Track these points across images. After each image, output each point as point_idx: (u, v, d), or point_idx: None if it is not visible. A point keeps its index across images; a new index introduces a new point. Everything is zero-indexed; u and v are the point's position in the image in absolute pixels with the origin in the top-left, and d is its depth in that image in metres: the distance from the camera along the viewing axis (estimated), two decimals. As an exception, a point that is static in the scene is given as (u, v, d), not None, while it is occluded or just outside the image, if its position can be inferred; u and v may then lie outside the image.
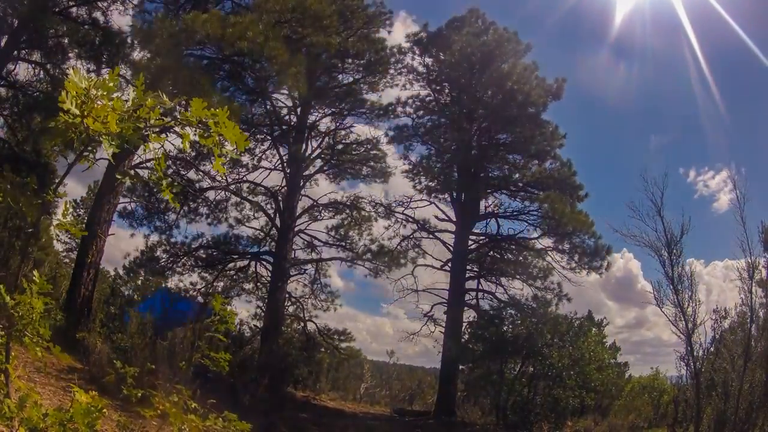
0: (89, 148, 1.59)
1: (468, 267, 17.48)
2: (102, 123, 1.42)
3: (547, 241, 16.74)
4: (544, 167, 17.39)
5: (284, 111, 17.04)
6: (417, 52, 17.67)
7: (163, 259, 16.08)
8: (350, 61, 16.52)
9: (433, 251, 18.32)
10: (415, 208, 18.10)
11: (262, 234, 17.27)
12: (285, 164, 16.65)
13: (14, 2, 11.46)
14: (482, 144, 17.77)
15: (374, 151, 17.69)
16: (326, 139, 17.60)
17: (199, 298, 15.20)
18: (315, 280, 17.43)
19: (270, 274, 16.60)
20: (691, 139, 36.76)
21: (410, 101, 17.91)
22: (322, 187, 19.44)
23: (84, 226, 12.78)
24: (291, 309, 17.01)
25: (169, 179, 1.70)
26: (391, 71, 17.23)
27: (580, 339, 13.59)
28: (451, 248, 17.41)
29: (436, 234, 18.10)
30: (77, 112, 1.40)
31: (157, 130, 1.63)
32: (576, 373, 13.36)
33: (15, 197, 1.82)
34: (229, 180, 16.61)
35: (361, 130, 18.19)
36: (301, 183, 16.96)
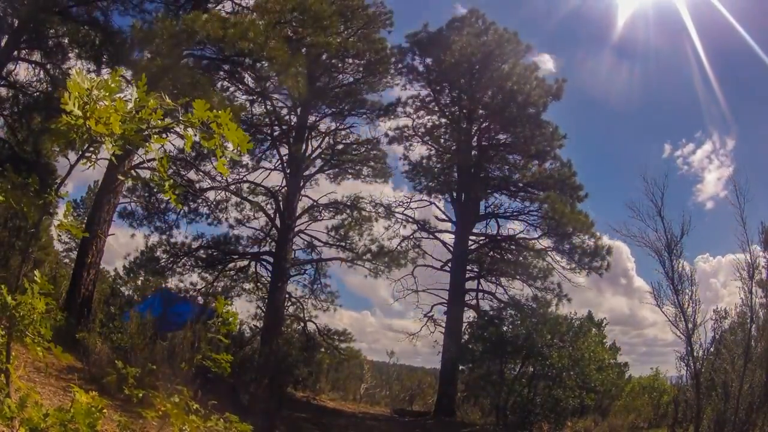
0: (91, 149, 1.59)
1: (468, 267, 17.48)
2: (105, 124, 1.42)
3: (547, 242, 16.77)
4: (544, 167, 17.40)
5: (284, 111, 17.05)
6: (417, 52, 17.69)
7: (163, 260, 16.09)
8: (350, 61, 16.53)
9: (433, 251, 18.34)
10: (415, 208, 18.13)
11: (262, 234, 17.27)
12: (285, 164, 16.65)
13: (14, 2, 11.46)
14: (482, 144, 17.78)
15: (374, 151, 17.70)
16: (326, 139, 17.61)
17: (199, 299, 15.21)
18: (315, 281, 17.45)
19: (270, 274, 16.60)
20: (692, 139, 36.74)
21: (410, 101, 17.95)
22: (322, 187, 19.45)
23: (84, 226, 12.78)
24: (291, 309, 17.02)
25: (172, 180, 1.70)
26: (392, 71, 17.26)
27: (579, 339, 13.59)
28: (451, 248, 17.42)
29: (436, 234, 18.12)
30: (79, 113, 1.40)
31: (159, 131, 1.63)
32: (576, 374, 13.36)
33: (16, 197, 1.81)
34: (230, 180, 16.62)
35: (362, 130, 18.21)
36: (301, 183, 16.96)
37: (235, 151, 1.68)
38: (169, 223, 16.19)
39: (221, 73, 13.82)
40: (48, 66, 12.45)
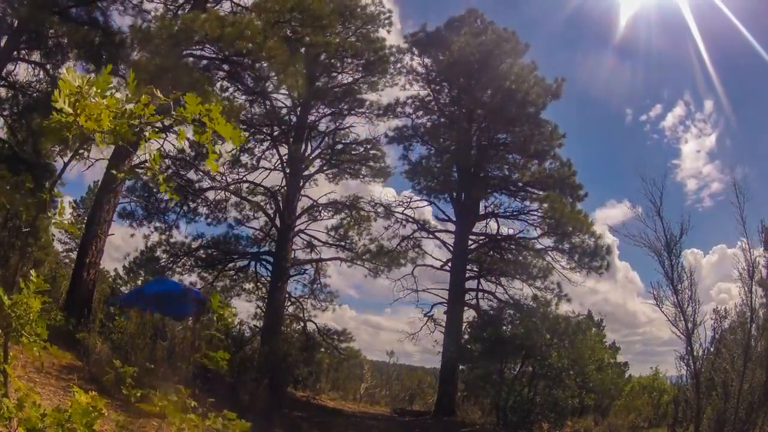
0: (84, 147, 1.59)
1: (468, 267, 17.47)
2: (95, 121, 1.42)
3: (546, 241, 16.75)
4: (544, 167, 17.40)
5: (284, 111, 17.05)
6: (416, 52, 17.68)
7: (163, 259, 16.10)
8: (349, 60, 16.51)
9: (433, 251, 18.34)
10: (415, 208, 18.12)
11: (262, 234, 17.28)
12: (285, 164, 16.65)
13: (14, 2, 11.47)
14: (482, 144, 17.77)
15: (374, 151, 17.69)
16: (326, 139, 17.60)
17: (198, 291, 15.22)
18: (315, 280, 17.45)
19: (270, 274, 16.61)
20: (693, 139, 36.67)
21: (410, 101, 17.94)
22: (322, 187, 19.45)
23: (84, 226, 12.79)
24: (291, 309, 17.03)
25: (166, 174, 1.70)
26: (391, 71, 17.23)
27: (579, 339, 13.58)
28: (451, 248, 17.41)
29: (436, 234, 18.12)
30: (70, 110, 1.40)
31: (153, 126, 1.63)
32: (576, 373, 13.36)
33: (11, 197, 1.81)
34: (229, 180, 16.64)
35: (361, 130, 18.21)
36: (301, 183, 16.96)
37: (231, 150, 1.68)
38: (168, 222, 16.21)
39: (221, 73, 13.84)
40: (48, 66, 12.47)
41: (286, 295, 16.69)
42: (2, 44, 11.92)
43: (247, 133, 16.10)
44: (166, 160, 15.15)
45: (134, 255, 15.93)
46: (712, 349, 11.54)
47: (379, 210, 17.71)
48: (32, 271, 2.03)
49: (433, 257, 18.07)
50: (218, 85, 13.67)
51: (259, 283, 17.20)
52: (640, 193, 12.37)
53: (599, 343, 15.10)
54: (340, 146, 17.72)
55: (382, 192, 19.07)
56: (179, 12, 12.75)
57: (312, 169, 17.32)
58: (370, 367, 20.10)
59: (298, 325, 17.10)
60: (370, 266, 17.09)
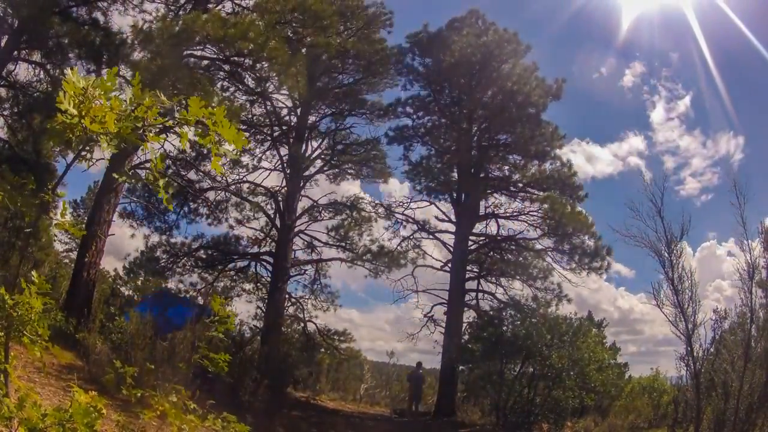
0: (87, 149, 1.59)
1: (468, 267, 17.47)
2: (100, 123, 1.42)
3: (547, 242, 16.77)
4: (544, 168, 17.40)
5: (284, 111, 17.06)
6: (417, 52, 17.68)
7: (163, 260, 16.10)
8: (350, 61, 16.52)
9: (433, 252, 18.34)
10: (415, 208, 18.13)
11: (262, 234, 17.28)
12: (285, 165, 16.66)
13: (14, 2, 11.47)
14: (482, 144, 17.77)
15: (374, 152, 17.70)
16: (326, 139, 17.61)
17: (199, 299, 15.20)
18: (315, 281, 17.45)
19: (270, 275, 16.61)
20: (695, 140, 36.67)
21: (410, 101, 17.95)
22: (322, 188, 19.47)
23: (84, 226, 12.79)
24: (291, 309, 17.03)
25: (166, 179, 1.70)
26: (391, 71, 17.25)
27: (579, 339, 13.57)
28: (451, 249, 17.41)
29: (436, 234, 18.12)
30: (75, 112, 1.40)
31: (156, 129, 1.63)
32: (576, 374, 13.35)
33: (13, 197, 1.81)
34: (229, 180, 16.64)
35: (361, 130, 18.23)
36: (301, 183, 16.96)
37: (232, 150, 1.68)
38: (169, 223, 16.23)
39: (221, 73, 13.84)
40: (48, 66, 12.46)
41: (286, 296, 16.69)
42: (2, 44, 11.93)
43: (247, 134, 16.08)
44: (167, 161, 15.15)
45: (134, 255, 15.96)
46: (712, 350, 11.53)
47: (379, 210, 17.75)
48: (34, 272, 2.03)
49: (433, 258, 18.10)
50: (219, 85, 13.68)
51: (259, 284, 17.21)
52: (640, 193, 12.35)
53: (599, 343, 15.09)
54: (340, 147, 17.73)
55: (383, 192, 19.04)
56: (180, 12, 12.75)
57: (312, 170, 17.35)
58: (370, 368, 20.10)
59: (298, 326, 17.11)
60: (371, 267, 17.10)
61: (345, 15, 15.33)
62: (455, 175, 17.89)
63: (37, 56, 12.61)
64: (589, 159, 31.77)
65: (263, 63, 12.31)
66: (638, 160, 35.34)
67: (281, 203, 16.58)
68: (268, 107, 16.39)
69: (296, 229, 16.86)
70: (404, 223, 17.99)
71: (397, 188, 31.15)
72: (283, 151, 16.76)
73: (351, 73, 16.96)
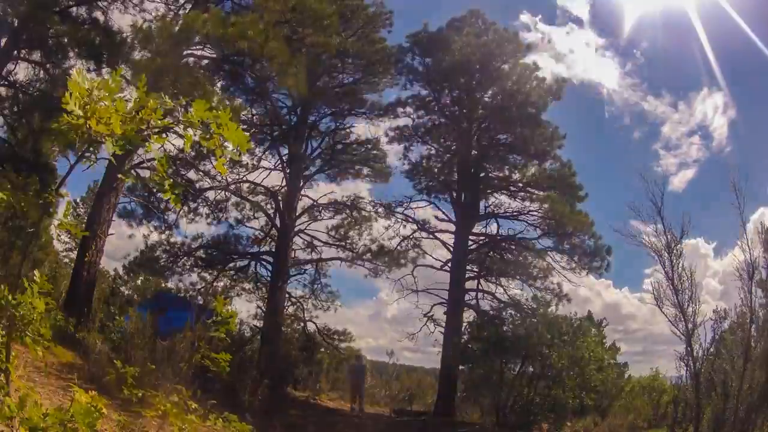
0: (91, 149, 1.59)
1: (468, 267, 17.47)
2: (105, 125, 1.42)
3: (547, 242, 16.78)
4: (544, 167, 17.39)
5: (284, 111, 17.05)
6: (417, 52, 17.67)
7: (163, 259, 16.09)
8: (350, 61, 16.52)
9: (433, 251, 18.33)
10: (415, 208, 18.13)
11: (262, 234, 17.27)
12: (285, 164, 16.66)
13: (14, 2, 11.45)
14: (482, 144, 17.77)
15: (374, 151, 17.72)
16: (326, 139, 17.62)
17: (199, 298, 15.20)
18: (315, 280, 17.46)
19: (270, 274, 16.60)
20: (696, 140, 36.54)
21: (410, 101, 17.93)
22: (322, 187, 19.49)
23: (84, 225, 12.79)
24: (291, 309, 17.03)
25: (171, 180, 1.70)
26: (391, 71, 17.24)
27: (579, 339, 13.59)
28: (451, 248, 17.41)
29: (436, 234, 18.11)
30: (80, 113, 1.40)
31: (159, 130, 1.63)
32: (576, 374, 13.36)
33: (16, 197, 1.81)
34: (229, 180, 16.62)
35: (361, 130, 18.21)
36: (301, 183, 16.97)
37: (235, 150, 1.68)
38: (168, 222, 16.20)
39: (221, 73, 13.84)
40: (48, 66, 12.45)
41: (287, 295, 16.69)
42: (2, 44, 11.91)
43: (247, 134, 16.09)
44: (168, 161, 15.14)
45: (134, 255, 15.95)
46: (711, 350, 11.55)
47: (379, 210, 17.75)
48: (36, 272, 2.03)
49: (433, 257, 18.09)
50: (218, 84, 13.69)
51: (259, 284, 17.21)
52: (641, 193, 12.37)
53: (599, 343, 15.10)
54: (340, 146, 17.74)
55: (383, 192, 19.08)
56: (180, 12, 12.74)
57: (312, 169, 17.35)
58: (370, 367, 20.09)
59: (298, 325, 17.11)
60: (371, 266, 17.11)
61: (345, 14, 15.32)
62: (455, 174, 17.89)
63: (36, 56, 12.59)
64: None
65: (263, 62, 12.31)
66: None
67: (281, 203, 16.59)
68: (268, 107, 16.40)
69: (296, 229, 16.86)
70: (404, 222, 18.00)
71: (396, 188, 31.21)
72: (283, 150, 16.77)
73: (351, 73, 16.97)
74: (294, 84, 12.41)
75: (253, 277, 17.25)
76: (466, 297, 17.25)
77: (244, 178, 16.89)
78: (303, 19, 12.26)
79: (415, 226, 18.07)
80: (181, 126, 1.57)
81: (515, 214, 17.34)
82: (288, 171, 16.61)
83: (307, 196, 17.28)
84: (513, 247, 17.48)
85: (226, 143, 1.62)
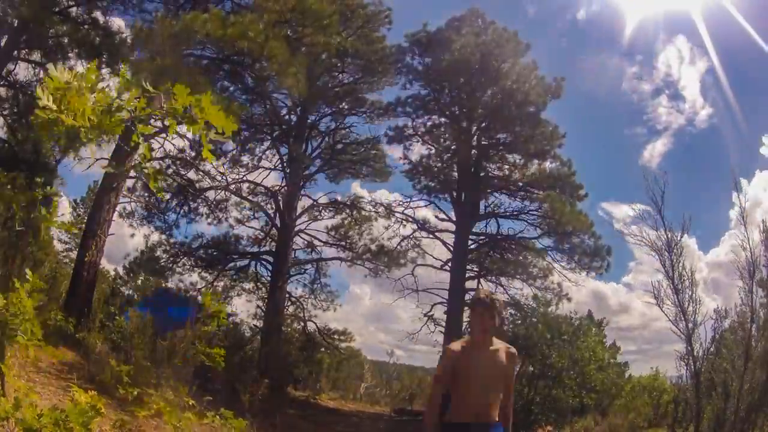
0: (75, 144, 1.59)
1: (468, 267, 17.48)
2: (81, 116, 1.41)
3: (547, 241, 16.78)
4: (544, 167, 17.40)
5: (284, 111, 17.07)
6: (417, 51, 17.68)
7: (163, 259, 16.12)
8: (350, 60, 16.53)
9: (433, 251, 18.34)
10: (415, 207, 18.13)
11: (262, 234, 17.30)
12: (285, 164, 16.68)
13: (14, 2, 11.47)
14: (482, 143, 17.77)
15: (374, 151, 17.72)
16: (326, 138, 17.63)
17: (199, 298, 15.21)
18: (315, 280, 17.47)
19: (270, 274, 16.62)
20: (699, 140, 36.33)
21: (410, 101, 17.92)
22: (322, 187, 19.55)
23: (84, 225, 12.81)
24: (291, 309, 17.04)
25: (156, 169, 1.69)
26: (391, 71, 17.24)
27: (579, 339, 13.56)
28: (451, 248, 17.41)
29: (436, 234, 18.11)
30: (54, 107, 1.39)
31: (147, 123, 1.62)
32: (576, 373, 13.34)
33: (4, 194, 1.81)
34: (229, 180, 16.65)
35: (361, 129, 18.24)
36: (301, 183, 16.98)
37: (233, 150, 1.67)
38: (169, 222, 16.24)
39: (221, 73, 13.84)
40: (48, 66, 12.46)
41: (287, 295, 16.70)
42: (2, 44, 11.93)
43: (246, 133, 16.13)
44: (167, 160, 15.16)
45: (134, 255, 15.98)
46: (712, 349, 11.53)
47: (379, 210, 17.75)
48: (28, 270, 2.03)
49: (433, 257, 18.09)
50: (219, 85, 13.68)
51: (259, 283, 17.22)
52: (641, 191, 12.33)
53: (599, 343, 15.08)
54: (340, 146, 17.75)
55: (382, 191, 19.09)
56: (180, 12, 12.74)
57: (312, 169, 17.36)
58: (370, 367, 20.11)
59: (299, 325, 17.12)
60: (371, 266, 17.12)
61: (344, 14, 15.31)
62: (455, 174, 17.89)
63: (36, 56, 12.62)
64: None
65: (263, 62, 12.30)
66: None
67: (281, 202, 16.60)
68: (268, 107, 16.41)
69: (296, 229, 16.87)
70: (404, 222, 18.01)
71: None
72: (283, 150, 16.79)
73: (351, 73, 16.98)
74: (294, 84, 12.40)
75: (253, 277, 17.28)
76: (466, 296, 17.24)
77: (244, 178, 16.93)
78: (303, 18, 12.25)
79: (415, 226, 18.10)
80: (166, 114, 1.56)
81: (515, 213, 17.35)
82: (288, 171, 16.63)
83: (307, 196, 17.33)
84: (513, 246, 17.48)
85: (213, 128, 1.61)
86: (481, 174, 17.64)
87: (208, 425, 2.80)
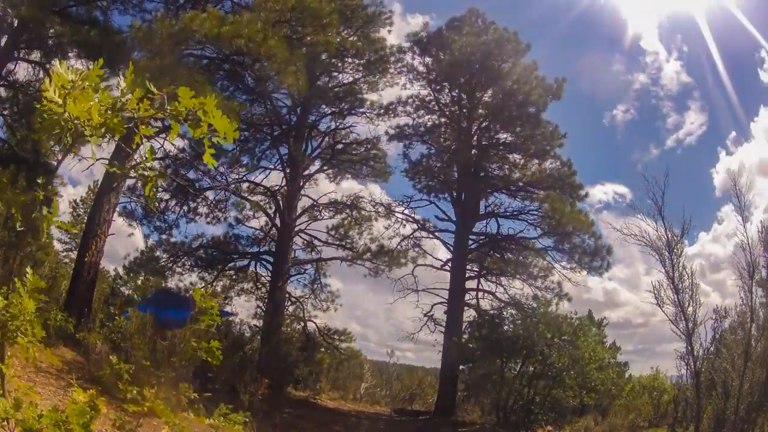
0: (76, 142, 1.58)
1: (468, 266, 17.47)
2: (86, 112, 1.41)
3: (547, 241, 16.78)
4: (544, 167, 17.39)
5: (284, 111, 17.06)
6: (417, 51, 17.68)
7: (163, 259, 16.12)
8: (350, 60, 16.52)
9: (433, 251, 18.34)
10: (415, 207, 18.14)
11: (262, 234, 17.29)
12: (285, 164, 16.66)
13: (14, 2, 11.46)
14: (482, 143, 17.77)
15: (374, 151, 17.71)
16: (326, 138, 17.62)
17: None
18: (315, 280, 17.47)
19: (270, 274, 16.61)
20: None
21: (410, 101, 17.93)
22: (322, 187, 19.52)
23: (84, 225, 12.81)
24: (291, 309, 17.04)
25: (156, 173, 1.69)
26: (391, 71, 17.26)
27: (579, 338, 13.56)
28: (451, 248, 17.41)
29: (436, 234, 18.12)
30: (59, 100, 1.39)
31: (148, 123, 1.62)
32: (576, 373, 13.33)
33: (6, 195, 1.81)
34: (229, 179, 16.65)
35: (361, 129, 18.23)
36: (301, 183, 16.97)
37: (233, 149, 1.67)
38: (168, 222, 16.23)
39: (221, 72, 13.84)
40: (47, 65, 12.45)
41: (287, 295, 16.70)
42: (2, 44, 11.92)
43: (246, 133, 16.12)
44: (167, 160, 15.16)
45: (134, 255, 15.98)
46: (712, 349, 11.53)
47: (379, 210, 17.75)
48: (29, 270, 2.02)
49: (433, 257, 18.10)
50: (218, 84, 13.67)
51: (259, 283, 17.22)
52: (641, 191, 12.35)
53: (599, 342, 15.08)
54: (340, 146, 17.74)
55: (383, 191, 19.09)
56: (179, 11, 12.74)
57: (312, 169, 17.35)
58: (370, 367, 20.09)
59: (299, 325, 17.12)
60: (371, 266, 17.11)
61: (344, 14, 15.31)
62: (455, 174, 17.89)
63: (36, 56, 12.61)
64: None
65: (263, 62, 12.29)
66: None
67: (281, 202, 16.59)
68: (268, 106, 16.40)
69: (296, 229, 16.86)
70: (404, 222, 18.01)
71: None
72: (283, 150, 16.77)
73: (350, 72, 16.97)
74: (294, 83, 12.40)
75: (253, 277, 17.26)
76: (467, 296, 17.25)
77: (244, 178, 16.92)
78: (302, 18, 12.25)
79: (415, 226, 18.11)
80: (169, 116, 1.56)
81: (515, 213, 17.36)
82: (288, 170, 16.61)
83: (307, 196, 17.31)
84: (513, 246, 17.48)
85: (215, 132, 1.60)
86: (481, 174, 17.64)
87: (208, 425, 2.79)
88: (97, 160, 1.82)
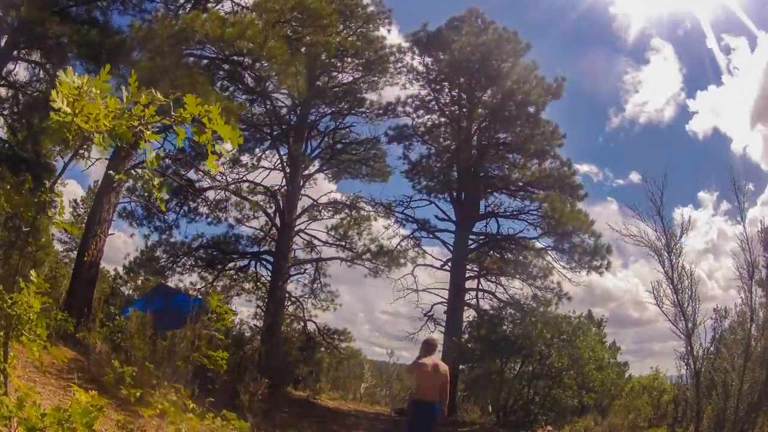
0: (84, 147, 1.59)
1: (468, 266, 17.48)
2: (94, 121, 1.42)
3: (546, 241, 16.80)
4: (544, 166, 17.41)
5: (284, 111, 17.07)
6: (417, 51, 17.69)
7: (163, 259, 16.12)
8: (350, 60, 16.53)
9: (433, 251, 18.36)
10: (415, 207, 18.14)
11: (262, 234, 17.29)
12: (285, 164, 16.67)
13: (14, 2, 11.45)
14: (482, 143, 17.78)
15: (374, 151, 17.72)
16: (326, 138, 17.63)
17: (199, 298, 15.20)
18: (315, 280, 17.47)
19: (270, 274, 16.61)
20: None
21: (410, 101, 17.94)
22: (322, 187, 19.55)
23: (84, 225, 12.80)
24: (291, 309, 17.04)
25: (161, 179, 1.70)
26: (391, 70, 17.26)
27: (579, 338, 13.57)
28: (451, 248, 17.42)
29: (436, 234, 18.13)
30: (69, 110, 1.40)
31: (154, 128, 1.63)
32: (575, 373, 13.34)
33: (11, 196, 1.81)
34: (229, 180, 16.65)
35: (361, 129, 18.25)
36: (301, 183, 16.97)
37: (228, 146, 1.68)
38: (168, 222, 16.23)
39: (221, 73, 13.83)
40: (48, 66, 12.45)
41: (286, 295, 16.70)
42: (2, 44, 11.92)
43: (246, 133, 16.12)
44: (166, 160, 15.15)
45: (134, 255, 15.98)
46: (712, 349, 11.54)
47: (379, 209, 17.75)
48: (33, 271, 2.03)
49: (433, 257, 18.11)
50: (218, 84, 13.67)
51: (259, 283, 17.22)
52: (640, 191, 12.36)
53: (599, 342, 15.08)
54: (340, 146, 17.75)
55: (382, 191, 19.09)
56: (180, 12, 12.74)
57: (312, 169, 17.36)
58: (370, 367, 20.09)
59: (298, 325, 17.12)
60: (370, 266, 17.12)
61: (344, 14, 15.32)
62: (455, 174, 17.89)
63: (36, 56, 12.60)
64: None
65: (262, 62, 12.29)
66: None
67: (281, 202, 16.60)
68: (268, 106, 16.40)
69: (296, 229, 16.87)
70: (404, 222, 18.02)
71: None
72: (283, 150, 16.79)
73: (350, 72, 16.98)
74: (294, 83, 12.41)
75: (253, 276, 17.27)
76: (466, 296, 17.26)
77: (244, 178, 16.92)
78: (302, 18, 12.26)
79: (414, 226, 18.11)
80: (174, 122, 1.57)
81: (515, 213, 17.37)
82: (288, 170, 16.62)
83: (307, 196, 17.32)
84: (513, 246, 17.49)
85: (219, 139, 1.62)
86: (481, 174, 17.64)
87: (209, 426, 2.80)
88: (97, 159, 1.83)
